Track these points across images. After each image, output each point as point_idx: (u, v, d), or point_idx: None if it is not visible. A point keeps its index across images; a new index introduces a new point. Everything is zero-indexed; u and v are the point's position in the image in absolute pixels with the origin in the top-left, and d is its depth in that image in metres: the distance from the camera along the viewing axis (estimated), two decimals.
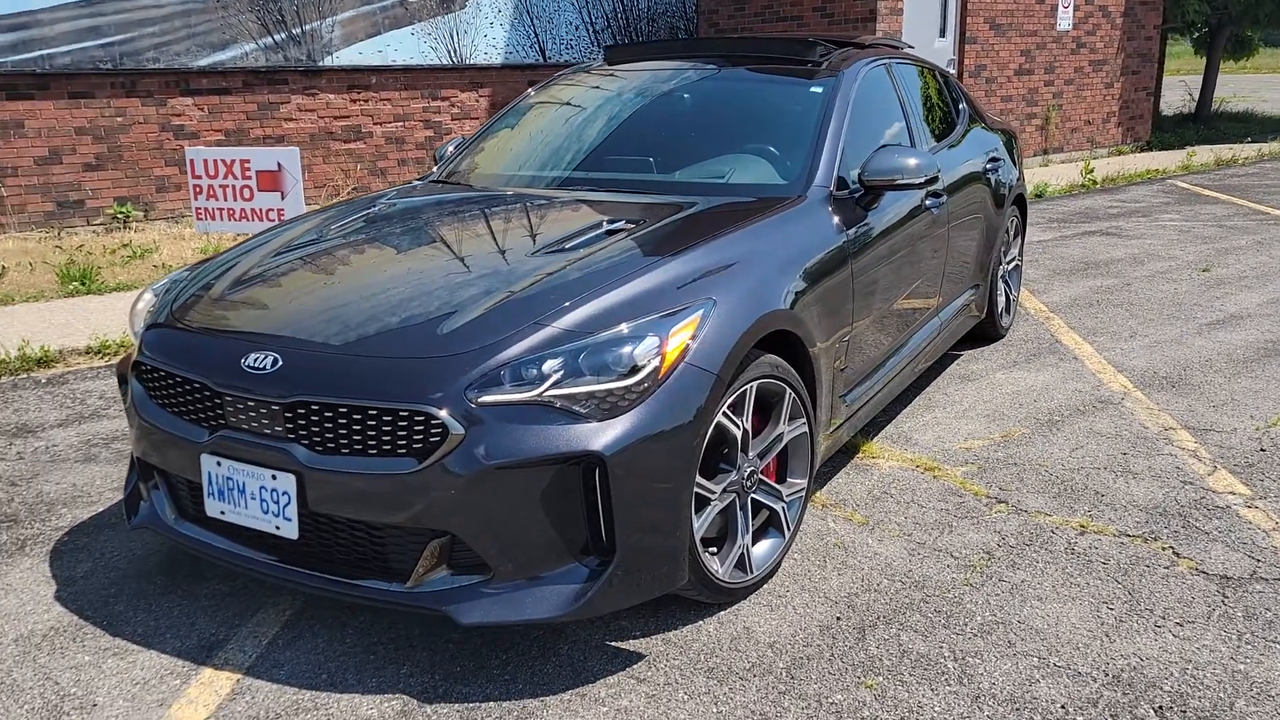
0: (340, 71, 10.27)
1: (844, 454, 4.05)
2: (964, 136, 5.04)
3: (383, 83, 10.55)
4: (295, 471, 2.55)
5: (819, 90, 3.96)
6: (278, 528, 2.63)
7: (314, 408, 2.53)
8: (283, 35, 9.89)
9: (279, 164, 6.74)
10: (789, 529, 3.11)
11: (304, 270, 3.14)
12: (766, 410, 2.99)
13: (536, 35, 11.57)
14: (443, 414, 2.42)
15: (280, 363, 2.61)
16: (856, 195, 3.66)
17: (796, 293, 3.11)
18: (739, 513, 2.92)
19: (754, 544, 3.04)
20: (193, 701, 2.56)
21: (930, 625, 2.84)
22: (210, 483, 2.71)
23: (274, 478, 2.58)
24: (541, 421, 2.43)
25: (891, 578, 3.10)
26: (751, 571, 2.97)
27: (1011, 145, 5.67)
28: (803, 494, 3.16)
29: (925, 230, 4.18)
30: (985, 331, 5.48)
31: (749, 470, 2.92)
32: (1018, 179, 5.54)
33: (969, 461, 3.97)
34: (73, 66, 8.87)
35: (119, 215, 9.21)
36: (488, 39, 11.16)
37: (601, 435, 2.44)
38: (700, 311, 2.69)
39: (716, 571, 2.84)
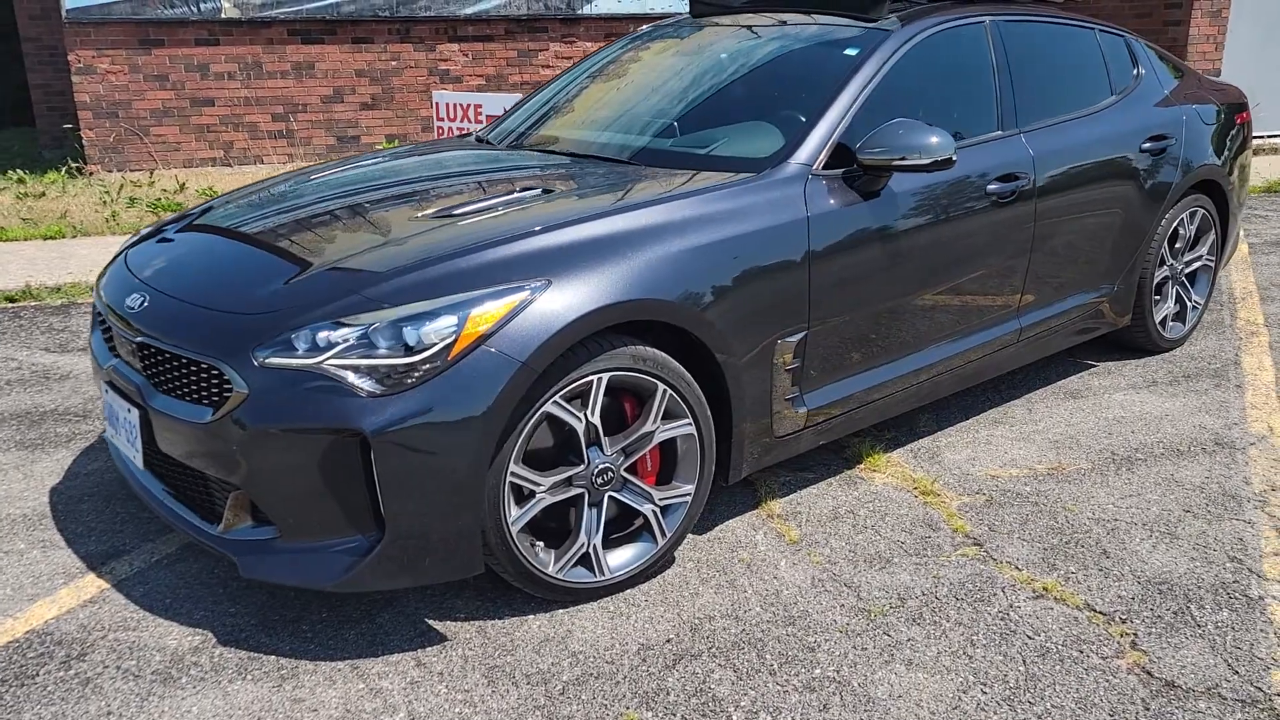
0: (599, 20, 10.48)
1: (845, 462, 3.66)
2: (1110, 112, 4.26)
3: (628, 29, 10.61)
4: (140, 406, 2.72)
5: (852, 53, 3.53)
6: (133, 457, 2.83)
7: (151, 349, 2.69)
8: None
9: (504, 109, 7.09)
10: (664, 535, 2.88)
11: (214, 228, 3.26)
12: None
13: None
14: (230, 370, 2.48)
15: (144, 303, 2.79)
16: (852, 176, 3.24)
17: (704, 281, 2.82)
18: (587, 510, 2.75)
19: (619, 546, 2.86)
20: (55, 601, 2.84)
21: (756, 669, 2.53)
22: (106, 406, 2.98)
23: (129, 410, 2.78)
24: (318, 390, 2.42)
25: (767, 608, 2.79)
26: (602, 574, 2.80)
27: (1222, 122, 4.71)
28: (687, 500, 2.91)
29: (986, 220, 3.61)
30: (1136, 342, 4.66)
31: (601, 466, 2.73)
32: (1210, 163, 4.59)
33: (980, 492, 3.44)
34: (356, 14, 9.75)
35: None
36: None
37: (372, 412, 2.39)
38: (522, 294, 2.53)
39: (545, 567, 2.70)
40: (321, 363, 2.42)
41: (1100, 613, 2.76)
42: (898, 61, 3.52)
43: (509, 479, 2.57)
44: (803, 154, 3.21)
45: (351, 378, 2.41)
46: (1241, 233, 6.66)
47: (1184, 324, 4.81)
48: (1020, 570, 2.97)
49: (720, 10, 4.35)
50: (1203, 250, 4.78)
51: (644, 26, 4.53)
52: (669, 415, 2.82)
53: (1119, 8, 10.64)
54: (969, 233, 3.58)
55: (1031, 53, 4.06)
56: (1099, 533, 3.17)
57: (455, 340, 2.43)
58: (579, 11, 10.40)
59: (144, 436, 2.75)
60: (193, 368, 2.58)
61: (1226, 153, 4.76)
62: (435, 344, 2.42)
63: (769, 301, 3.00)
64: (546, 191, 3.10)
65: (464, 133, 6.57)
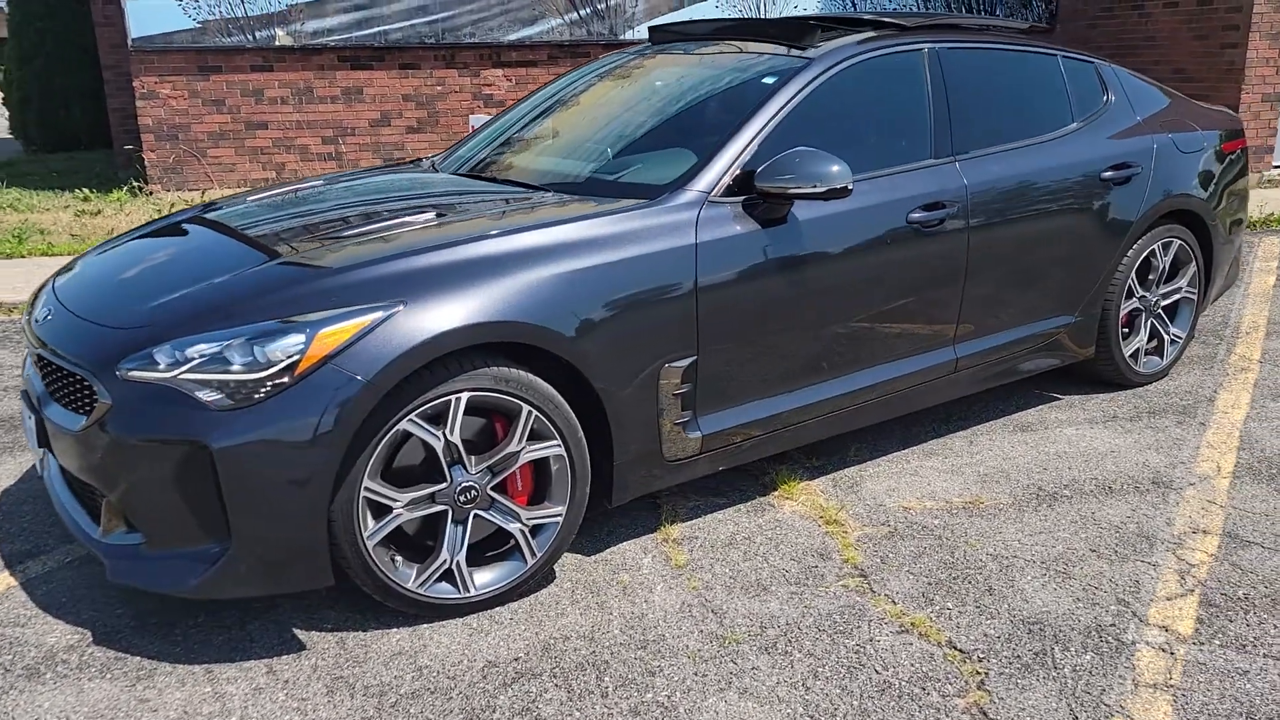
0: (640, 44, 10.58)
1: (761, 488, 3.65)
2: (1068, 140, 4.17)
3: None
4: (36, 413, 2.90)
5: (769, 82, 3.55)
6: (37, 462, 3.01)
7: (45, 360, 2.87)
8: (587, 10, 10.42)
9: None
10: (533, 555, 2.93)
11: (134, 248, 3.39)
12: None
13: (854, 6, 11.06)
14: (96, 382, 2.63)
15: (49, 316, 2.97)
16: (753, 204, 3.25)
17: (578, 306, 2.88)
18: (450, 527, 2.83)
19: (491, 564, 2.92)
20: None
21: (589, 691, 2.56)
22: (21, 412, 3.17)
23: (30, 417, 2.97)
24: (172, 403, 2.54)
25: (626, 630, 2.81)
26: (467, 591, 2.86)
27: (1205, 151, 4.58)
28: (558, 521, 2.95)
29: (908, 249, 3.59)
30: (1105, 375, 4.53)
31: (464, 485, 2.80)
32: (1187, 193, 4.45)
33: (885, 524, 3.40)
34: (403, 41, 10.07)
35: None
36: (797, 9, 10.88)
37: (218, 425, 2.51)
38: (374, 315, 2.62)
39: (405, 582, 2.78)
40: (176, 376, 2.55)
41: (959, 650, 2.71)
42: (814, 91, 3.53)
43: (363, 494, 2.66)
44: (701, 181, 3.24)
45: (202, 392, 2.52)
46: (1257, 264, 6.39)
47: (1162, 358, 4.66)
48: (895, 604, 2.93)
49: (677, 38, 4.40)
50: (1181, 283, 4.63)
51: (606, 55, 4.61)
52: (536, 436, 2.88)
53: (1176, 29, 10.33)
54: (887, 261, 3.55)
55: (979, 80, 4.01)
56: (992, 569, 3.10)
57: (301, 358, 2.53)
58: (621, 37, 10.54)
59: (40, 442, 2.92)
60: (72, 378, 2.74)
61: (1211, 183, 4.60)
62: (281, 361, 2.53)
63: (652, 327, 3.03)
64: (440, 215, 3.19)
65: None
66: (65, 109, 14.41)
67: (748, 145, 3.33)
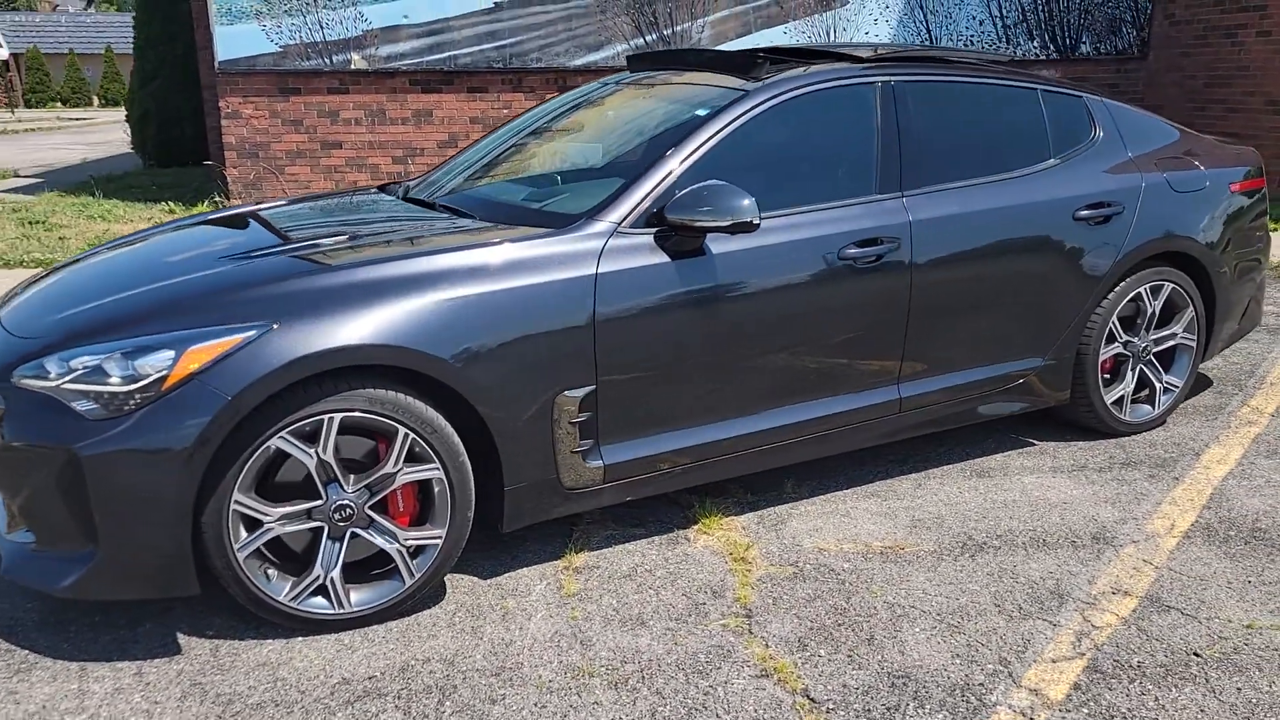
0: None
1: (683, 521, 3.63)
2: (1041, 177, 4.03)
3: None
4: None
5: (701, 114, 3.55)
6: None
7: None
8: (653, 36, 10.52)
9: None
10: (412, 575, 2.99)
11: (81, 265, 3.59)
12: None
13: (929, 30, 10.86)
14: None
15: None
16: (665, 236, 3.26)
17: (465, 332, 2.93)
18: (326, 543, 2.91)
19: (368, 582, 2.99)
20: None
21: (427, 715, 2.60)
22: None
23: None
24: (52, 411, 2.70)
25: (488, 657, 2.84)
26: (341, 607, 2.94)
27: (1206, 190, 4.38)
28: (437, 543, 3.00)
29: (840, 284, 3.53)
30: (1084, 422, 4.34)
31: (340, 503, 2.88)
32: (1180, 234, 4.24)
33: (794, 564, 3.34)
34: (471, 65, 10.35)
35: None
36: (868, 36, 10.75)
37: (88, 434, 2.64)
38: (246, 334, 2.72)
39: (277, 595, 2.87)
40: (59, 386, 2.70)
41: (811, 699, 2.64)
42: (746, 123, 3.51)
43: (233, 507, 2.76)
44: (614, 212, 3.26)
45: (79, 402, 2.67)
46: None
47: (1154, 407, 4.43)
48: (766, 647, 2.87)
49: (650, 66, 4.43)
50: (1176, 329, 4.40)
51: (587, 83, 4.67)
52: (416, 459, 2.94)
53: (1270, 59, 9.82)
54: (816, 296, 3.50)
55: (941, 115, 3.92)
56: (883, 618, 3.01)
57: (169, 373, 2.66)
58: None
59: None
60: None
61: (1212, 224, 4.37)
62: (151, 375, 2.65)
63: (544, 355, 3.06)
64: (353, 240, 3.29)
65: None
66: (179, 127, 15.26)
67: (666, 177, 3.34)
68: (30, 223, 9.66)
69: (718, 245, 3.33)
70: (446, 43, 10.25)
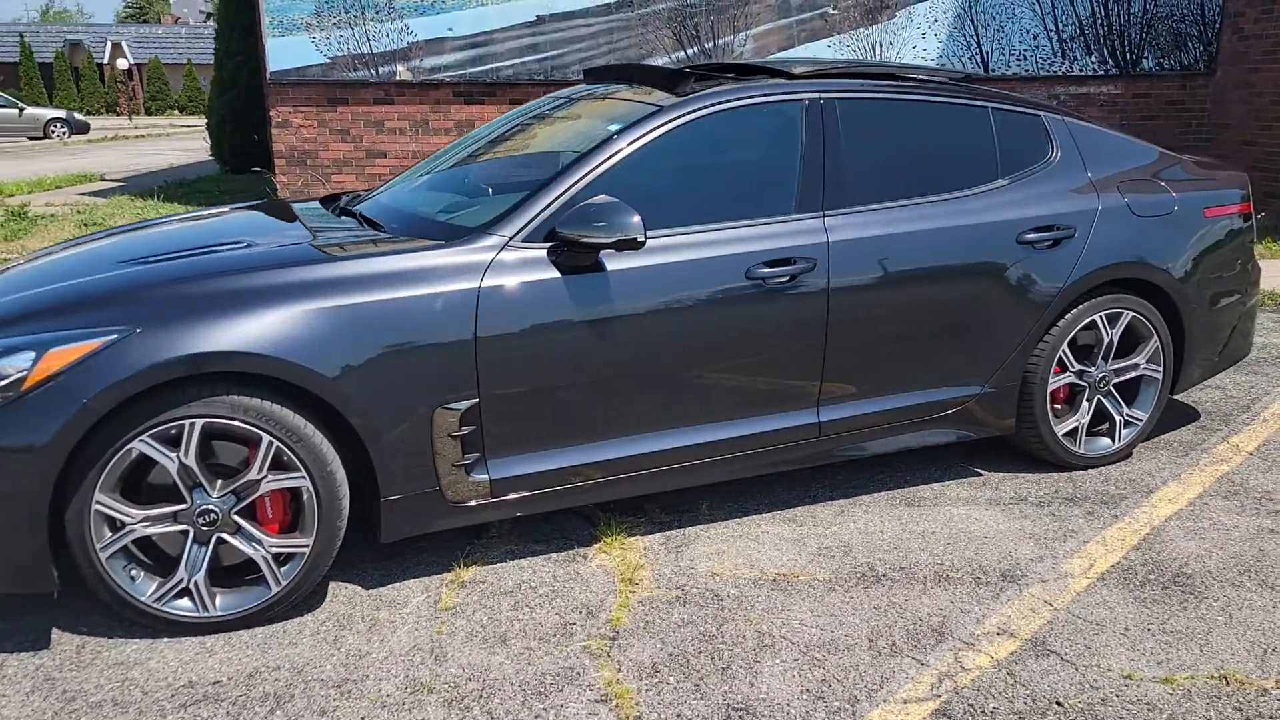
0: None
1: (586, 539, 3.60)
2: (985, 198, 3.89)
3: None
4: None
5: (613, 129, 3.53)
6: None
7: None
8: (695, 49, 10.49)
9: None
10: (278, 583, 3.03)
11: (18, 263, 3.73)
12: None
13: (979, 45, 10.60)
14: None
15: None
16: (557, 251, 3.25)
17: (335, 342, 2.96)
18: (191, 546, 2.97)
19: (237, 587, 3.05)
20: None
21: None
22: None
23: None
24: None
25: (338, 668, 2.87)
26: (206, 610, 2.99)
27: (1175, 215, 4.18)
28: (305, 552, 3.04)
29: (748, 305, 3.47)
30: (1034, 452, 4.17)
31: (205, 508, 2.94)
32: (1141, 261, 4.05)
33: (680, 588, 3.28)
34: (513, 77, 10.48)
35: None
36: (916, 50, 10.54)
37: None
38: (108, 337, 2.79)
39: (141, 595, 2.94)
40: None
41: None
42: (657, 139, 3.48)
43: (95, 507, 2.84)
44: (508, 226, 3.27)
45: None
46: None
47: (1114, 440, 4.23)
48: (617, 672, 2.83)
49: (599, 81, 4.42)
50: (1139, 359, 4.19)
51: (542, 96, 4.68)
52: (282, 466, 2.98)
53: None
54: (720, 315, 3.45)
55: (875, 133, 3.83)
56: (749, 647, 2.94)
57: (29, 374, 2.74)
58: None
59: None
60: None
61: (1180, 250, 4.16)
62: (11, 375, 2.75)
63: (422, 367, 3.08)
64: (249, 247, 3.35)
65: None
66: (252, 135, 15.80)
67: (564, 193, 3.33)
68: (88, 225, 10.12)
69: (615, 262, 3.30)
70: (489, 55, 10.40)
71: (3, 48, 53.65)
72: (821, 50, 10.50)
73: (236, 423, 2.90)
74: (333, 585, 3.29)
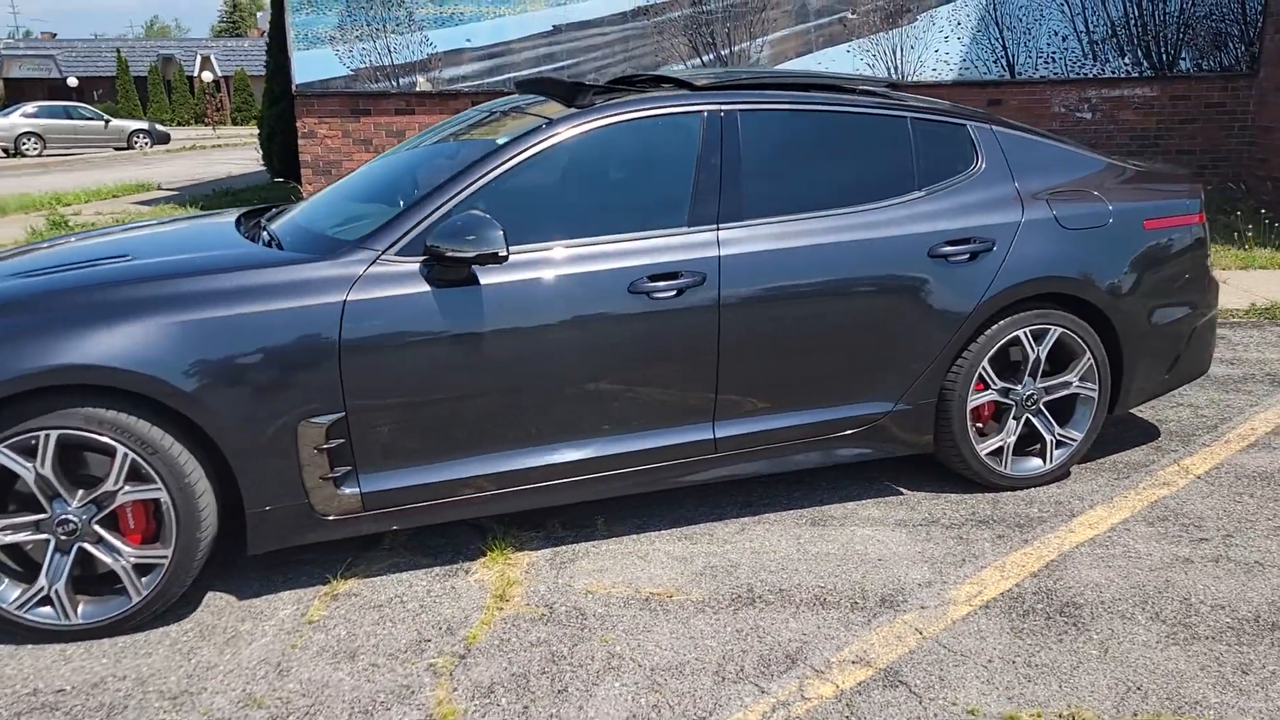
0: None
1: (472, 553, 3.59)
2: (896, 209, 3.78)
3: None
4: None
5: (500, 142, 3.52)
6: None
7: None
8: (710, 56, 10.42)
9: None
10: (138, 593, 3.08)
11: None
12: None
13: (1005, 48, 10.33)
14: None
15: None
16: (428, 265, 3.25)
17: (195, 355, 2.99)
18: (52, 555, 3.04)
19: (100, 596, 3.10)
20: None
21: None
22: None
23: None
24: None
25: (182, 680, 2.90)
26: (69, 618, 3.06)
27: (1111, 228, 4.00)
28: (164, 563, 3.08)
29: (633, 319, 3.42)
30: (956, 470, 4.04)
31: (64, 518, 3.00)
32: (1070, 276, 3.90)
33: (548, 606, 3.25)
34: None
35: None
36: (938, 54, 10.32)
37: None
38: None
39: (3, 603, 3.01)
40: None
41: None
42: (543, 152, 3.46)
43: None
44: (381, 240, 3.28)
45: None
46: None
47: (1045, 461, 4.07)
48: (452, 691, 2.81)
49: (523, 92, 4.40)
50: (1070, 377, 4.02)
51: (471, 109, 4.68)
52: (139, 478, 3.03)
53: None
54: (601, 330, 3.41)
55: (779, 145, 3.75)
56: (593, 670, 2.90)
57: None
58: None
59: None
60: None
61: (1115, 264, 3.99)
62: None
63: (285, 381, 3.10)
64: (130, 260, 3.41)
65: None
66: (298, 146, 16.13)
67: (441, 206, 3.33)
68: None
69: (490, 276, 3.29)
70: (507, 65, 10.48)
71: (103, 63, 55.99)
72: (840, 56, 10.35)
73: (92, 434, 2.95)
74: (209, 594, 3.33)
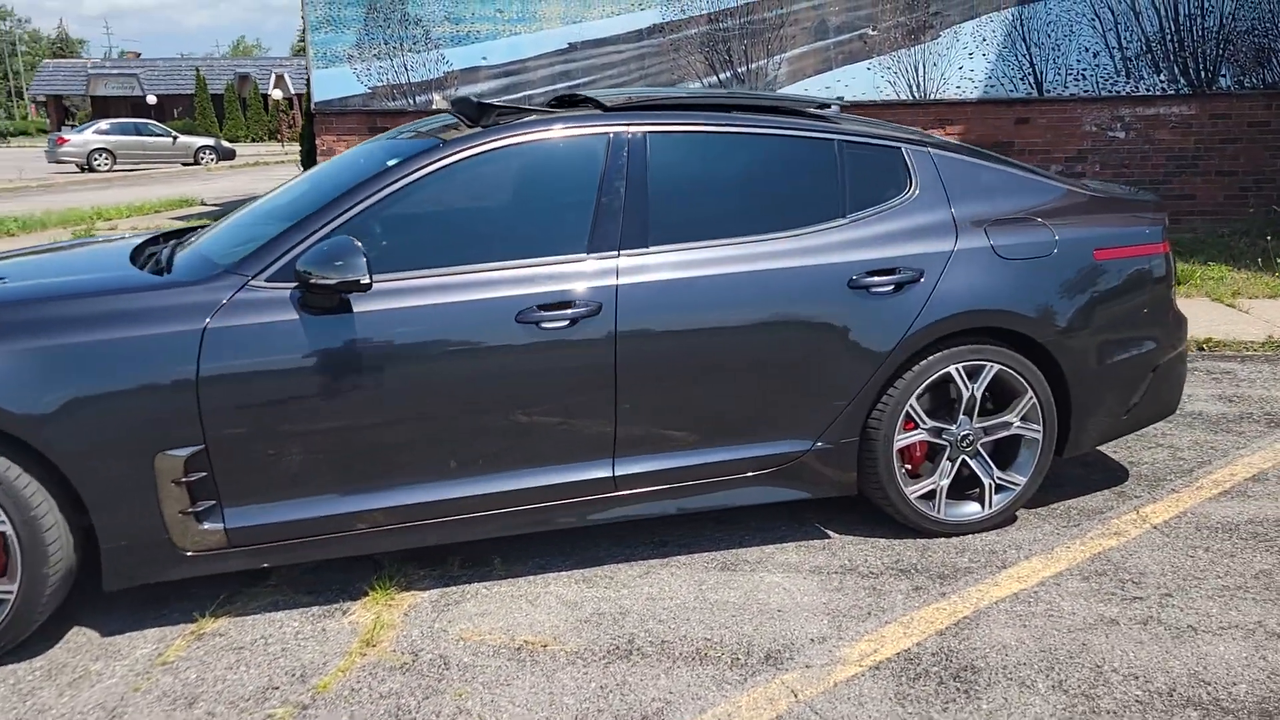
0: None
1: (355, 593, 3.44)
2: (815, 237, 3.56)
3: None
4: None
5: (392, 164, 3.39)
6: None
7: None
8: (728, 74, 10.24)
9: None
10: None
11: None
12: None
13: (1032, 65, 9.96)
14: None
15: None
16: (298, 293, 3.13)
17: (38, 384, 2.90)
18: None
19: None
20: None
21: None
22: None
23: None
24: None
25: None
26: None
27: (1054, 259, 3.74)
28: (9, 598, 2.98)
29: (521, 351, 3.26)
30: (885, 513, 3.79)
31: None
32: (1008, 310, 3.64)
33: (413, 654, 3.08)
34: None
35: None
36: (962, 71, 9.99)
37: None
38: None
39: None
40: None
41: None
42: (430, 175, 3.33)
43: None
44: (252, 265, 3.17)
45: None
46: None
47: (984, 506, 3.79)
48: None
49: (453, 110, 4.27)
50: (1011, 417, 3.75)
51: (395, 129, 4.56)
52: None
53: None
54: (486, 361, 3.26)
55: (692, 169, 3.58)
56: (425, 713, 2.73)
57: None
58: None
59: None
60: None
61: (1059, 296, 3.72)
62: None
63: (138, 412, 3.00)
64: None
65: None
66: None
67: (318, 230, 3.21)
68: None
69: (364, 303, 3.15)
70: (522, 83, 10.42)
71: (184, 81, 57.74)
72: (860, 73, 10.08)
73: None
74: (74, 629, 3.24)
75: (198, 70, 55.25)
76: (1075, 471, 4.39)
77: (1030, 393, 3.72)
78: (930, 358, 3.61)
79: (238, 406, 3.06)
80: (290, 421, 3.12)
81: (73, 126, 41.26)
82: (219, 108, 54.20)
